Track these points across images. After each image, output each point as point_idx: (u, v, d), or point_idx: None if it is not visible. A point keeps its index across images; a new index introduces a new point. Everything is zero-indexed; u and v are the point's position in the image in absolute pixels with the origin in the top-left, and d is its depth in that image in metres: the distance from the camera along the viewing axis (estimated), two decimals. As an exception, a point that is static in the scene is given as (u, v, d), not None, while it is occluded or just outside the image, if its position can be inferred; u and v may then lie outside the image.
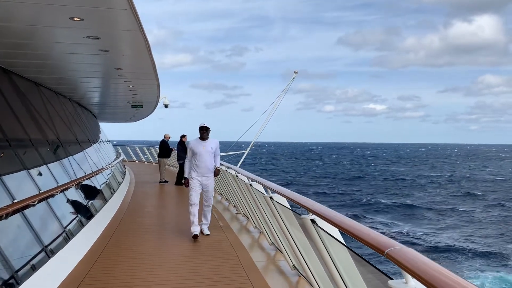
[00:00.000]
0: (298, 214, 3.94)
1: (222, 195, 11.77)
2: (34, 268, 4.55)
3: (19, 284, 4.07)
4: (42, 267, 4.68)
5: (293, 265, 5.20)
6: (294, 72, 18.37)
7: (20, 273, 4.25)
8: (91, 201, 8.47)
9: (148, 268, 5.49)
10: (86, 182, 8.59)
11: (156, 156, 21.34)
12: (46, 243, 5.18)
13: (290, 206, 4.53)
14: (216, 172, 7.42)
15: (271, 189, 4.85)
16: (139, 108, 15.51)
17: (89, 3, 4.11)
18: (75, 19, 4.48)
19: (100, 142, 16.39)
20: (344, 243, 2.95)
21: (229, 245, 6.68)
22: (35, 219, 5.20)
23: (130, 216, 9.36)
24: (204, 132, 7.23)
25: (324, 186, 48.99)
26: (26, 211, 4.93)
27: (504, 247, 22.67)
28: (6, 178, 4.94)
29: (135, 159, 28.59)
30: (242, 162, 17.78)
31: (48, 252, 5.06)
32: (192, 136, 7.36)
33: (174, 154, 17.56)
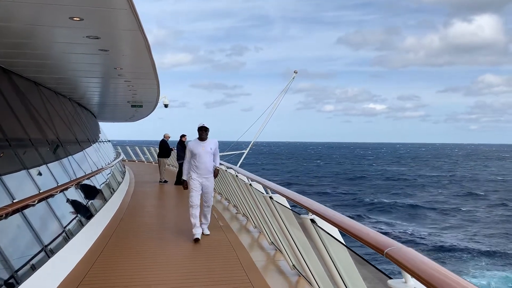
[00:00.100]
0: (298, 213, 3.94)
1: (222, 194, 11.78)
2: (34, 268, 4.55)
3: (19, 283, 4.07)
4: (42, 267, 4.68)
5: (293, 265, 5.20)
6: (294, 72, 18.38)
7: (20, 272, 4.25)
8: (90, 201, 8.47)
9: (148, 268, 5.50)
10: (86, 182, 8.59)
11: (155, 156, 21.34)
12: (46, 243, 5.18)
13: (290, 206, 4.54)
14: (216, 173, 7.38)
15: (271, 189, 4.85)
16: (138, 107, 15.50)
17: (89, 3, 4.11)
18: (75, 18, 4.48)
19: (99, 141, 16.39)
20: (344, 243, 2.95)
21: (229, 245, 6.68)
22: (35, 219, 5.20)
23: (130, 216, 9.36)
24: (203, 132, 7.16)
25: (326, 186, 48.89)
26: (26, 211, 4.93)
27: (509, 246, 22.67)
28: (6, 178, 4.95)
29: (135, 159, 28.59)
30: (242, 162, 17.79)
31: (48, 252, 5.06)
32: (192, 135, 7.34)
33: (174, 154, 17.57)
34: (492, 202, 37.68)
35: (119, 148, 26.88)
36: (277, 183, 5.12)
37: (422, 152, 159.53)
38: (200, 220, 7.35)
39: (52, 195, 5.90)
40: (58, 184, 6.58)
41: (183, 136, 15.25)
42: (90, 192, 8.93)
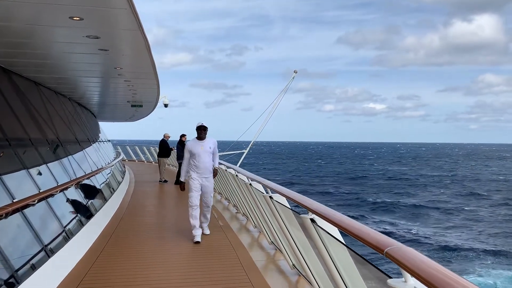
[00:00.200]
0: (298, 213, 3.94)
1: (221, 194, 11.78)
2: (34, 268, 4.55)
3: (19, 283, 4.07)
4: (42, 266, 4.68)
5: (293, 265, 5.20)
6: (294, 72, 18.36)
7: (20, 272, 4.25)
8: (90, 201, 8.47)
9: (148, 267, 5.50)
10: (86, 181, 8.59)
11: (155, 155, 21.34)
12: (46, 243, 5.18)
13: (290, 205, 4.54)
14: (215, 173, 7.31)
15: (271, 189, 4.86)
16: (138, 107, 15.50)
17: (89, 3, 4.11)
18: (74, 18, 4.48)
19: (99, 141, 16.38)
20: (344, 242, 2.95)
21: (229, 245, 6.68)
22: (35, 219, 5.20)
23: (130, 215, 9.36)
24: (201, 131, 7.09)
25: (329, 186, 48.81)
26: (26, 211, 4.93)
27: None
28: (5, 178, 4.95)
29: (135, 159, 28.59)
30: (242, 162, 17.79)
31: (48, 252, 5.06)
32: (192, 135, 7.31)
33: (173, 153, 17.57)
34: (495, 201, 37.63)
35: (119, 147, 26.89)
36: (279, 183, 5.12)
37: (422, 152, 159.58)
38: (200, 220, 7.32)
39: (52, 195, 5.91)
40: (58, 184, 6.59)
41: (183, 135, 15.25)
42: (90, 191, 8.93)
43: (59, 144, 8.58)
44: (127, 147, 29.32)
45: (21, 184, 5.58)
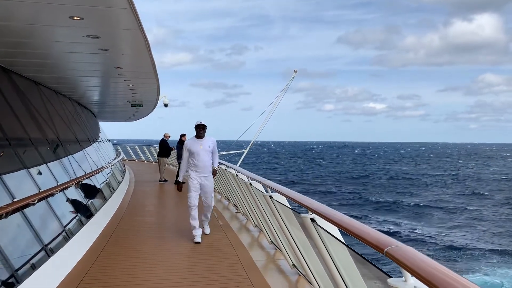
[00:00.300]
0: (298, 213, 3.94)
1: (221, 194, 11.78)
2: (34, 267, 4.55)
3: (19, 283, 4.07)
4: (42, 266, 4.68)
5: (293, 264, 5.20)
6: (294, 71, 18.37)
7: (20, 272, 4.25)
8: (90, 200, 8.47)
9: (148, 267, 5.50)
10: (86, 181, 8.59)
11: (155, 155, 21.34)
12: (46, 242, 5.18)
13: (290, 205, 4.54)
14: (214, 173, 7.22)
15: (271, 188, 4.85)
16: (138, 107, 15.50)
17: (89, 2, 4.11)
18: (74, 18, 4.48)
19: (99, 141, 16.38)
20: (344, 242, 2.95)
21: (229, 244, 6.68)
22: (35, 218, 5.20)
23: (130, 215, 9.36)
24: (200, 130, 7.00)
25: (331, 185, 48.72)
26: (26, 210, 4.93)
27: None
28: (6, 177, 4.95)
29: (135, 158, 28.58)
30: (242, 162, 17.80)
31: (48, 251, 5.06)
32: (192, 135, 7.27)
33: (173, 153, 17.57)
34: (498, 201, 37.59)
35: (119, 147, 26.90)
36: (281, 183, 5.13)
37: (423, 152, 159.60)
38: (200, 219, 7.26)
39: (52, 195, 5.91)
40: (58, 184, 6.59)
41: (183, 135, 15.25)
42: (90, 191, 8.93)
43: (59, 143, 8.59)
44: (127, 146, 29.32)
45: (21, 183, 5.58)
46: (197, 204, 7.05)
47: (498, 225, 27.70)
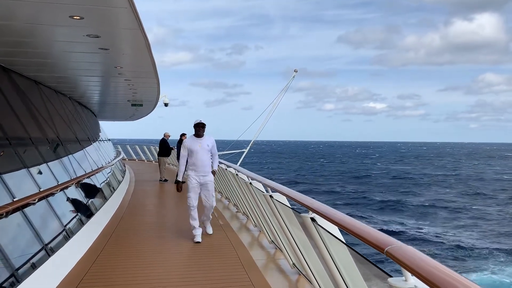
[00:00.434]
0: (298, 212, 3.94)
1: (222, 193, 11.78)
2: (34, 267, 4.55)
3: (19, 282, 4.08)
4: (42, 265, 4.68)
5: (293, 264, 5.20)
6: (294, 71, 18.36)
7: (20, 271, 4.26)
8: (91, 200, 8.47)
9: (148, 266, 5.50)
10: (86, 180, 8.60)
11: (156, 154, 21.34)
12: (46, 242, 5.19)
13: (290, 204, 4.54)
14: (213, 174, 7.11)
15: (271, 188, 4.85)
16: (139, 106, 15.49)
17: (89, 2, 4.10)
18: (75, 17, 4.48)
19: (100, 140, 16.39)
20: (344, 241, 2.95)
21: (229, 244, 6.68)
22: (35, 218, 5.20)
23: (130, 214, 9.36)
24: (200, 129, 6.91)
25: (334, 185, 48.64)
26: (26, 210, 4.93)
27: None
28: (6, 177, 4.95)
29: (135, 158, 28.58)
30: (244, 161, 17.80)
31: (48, 251, 5.06)
32: (192, 134, 7.21)
33: (174, 153, 17.57)
34: (502, 201, 37.56)
35: (119, 147, 26.90)
36: (284, 182, 5.13)
37: (424, 151, 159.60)
38: (202, 219, 7.19)
39: (52, 194, 5.91)
40: (59, 183, 6.59)
41: (183, 135, 15.25)
42: (90, 191, 8.94)
43: (59, 143, 8.59)
44: (127, 146, 29.31)
45: (21, 183, 5.58)
46: (196, 204, 6.99)
47: (504, 225, 27.72)
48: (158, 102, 16.17)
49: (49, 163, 7.03)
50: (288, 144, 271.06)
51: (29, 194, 5.07)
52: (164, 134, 16.93)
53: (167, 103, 19.79)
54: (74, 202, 7.25)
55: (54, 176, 6.85)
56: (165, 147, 16.78)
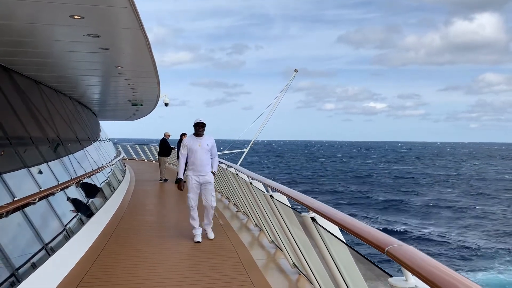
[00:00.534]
0: (298, 212, 3.94)
1: (222, 193, 11.78)
2: (34, 266, 4.55)
3: (19, 282, 4.08)
4: (43, 265, 4.68)
5: (293, 263, 5.20)
6: (294, 71, 18.37)
7: (20, 271, 4.25)
8: (91, 199, 8.48)
9: (149, 266, 5.50)
10: (86, 180, 8.60)
11: (156, 154, 21.34)
12: (47, 241, 5.19)
13: (290, 204, 4.53)
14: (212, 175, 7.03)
15: (271, 187, 4.85)
16: (139, 106, 15.50)
17: (89, 1, 4.10)
18: (75, 17, 4.48)
19: (100, 140, 16.39)
20: (344, 241, 2.95)
21: (229, 243, 6.68)
22: (36, 217, 5.20)
23: (130, 214, 9.36)
24: (199, 128, 6.85)
25: (337, 184, 48.54)
26: (27, 209, 4.93)
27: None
28: (6, 176, 4.95)
29: (135, 158, 28.58)
30: (245, 161, 17.80)
31: (49, 250, 5.06)
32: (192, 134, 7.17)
33: (174, 152, 17.57)
34: (505, 200, 37.48)
35: (119, 146, 26.91)
36: (286, 182, 5.13)
37: (424, 151, 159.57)
38: (203, 222, 7.06)
39: (52, 194, 5.91)
40: (59, 183, 6.59)
41: (183, 134, 15.25)
42: (91, 190, 8.94)
43: (60, 142, 8.59)
44: (128, 146, 29.32)
45: (21, 182, 5.58)
46: (196, 204, 6.96)
47: (509, 224, 27.70)
48: (159, 102, 16.17)
49: (49, 163, 7.03)
50: (289, 144, 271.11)
51: (29, 194, 5.07)
52: (164, 134, 16.94)
53: (168, 103, 19.79)
54: (75, 201, 7.25)
55: (55, 176, 6.85)
56: (165, 147, 16.79)
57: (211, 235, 6.99)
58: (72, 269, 5.25)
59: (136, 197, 12.00)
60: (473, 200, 37.75)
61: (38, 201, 5.22)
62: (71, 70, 8.36)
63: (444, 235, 24.62)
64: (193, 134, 6.99)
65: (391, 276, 2.02)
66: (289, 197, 4.27)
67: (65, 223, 6.14)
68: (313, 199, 3.55)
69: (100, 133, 18.19)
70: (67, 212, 6.70)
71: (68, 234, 5.99)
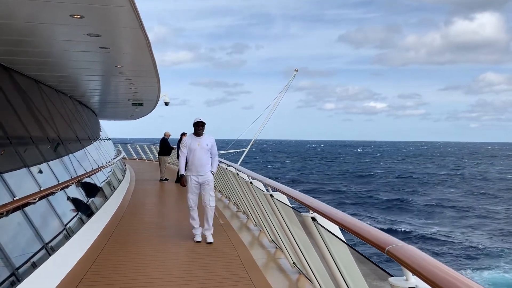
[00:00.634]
0: (299, 211, 3.94)
1: (222, 192, 11.78)
2: (34, 266, 4.55)
3: (20, 281, 4.08)
4: (43, 264, 4.68)
5: (293, 263, 5.20)
6: (295, 70, 18.35)
7: (20, 270, 4.25)
8: (91, 199, 8.48)
9: (149, 266, 5.50)
10: (87, 179, 8.60)
11: (156, 154, 21.34)
12: (47, 241, 5.19)
13: (291, 204, 4.53)
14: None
15: (272, 187, 4.85)
16: (139, 106, 15.49)
17: (90, 1, 4.10)
18: (75, 16, 4.48)
19: (100, 139, 16.39)
20: (345, 241, 2.95)
21: (230, 243, 6.68)
22: (36, 217, 5.20)
23: (130, 214, 9.36)
24: (199, 127, 6.80)
25: (339, 184, 48.45)
26: (27, 209, 4.93)
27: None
28: (6, 176, 4.95)
29: (136, 157, 28.58)
30: (245, 161, 17.80)
31: (49, 250, 5.06)
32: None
33: (174, 152, 17.57)
34: (509, 200, 37.39)
35: (119, 146, 26.91)
36: (288, 181, 5.12)
37: (425, 151, 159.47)
38: (202, 224, 6.93)
39: (52, 193, 5.91)
40: (59, 182, 6.59)
41: (183, 134, 15.24)
42: (91, 190, 8.94)
43: (60, 142, 8.59)
44: (128, 145, 29.32)
45: (22, 182, 5.58)
46: (196, 204, 6.93)
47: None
48: (159, 101, 16.17)
49: (49, 162, 7.03)
50: (289, 144, 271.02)
51: (29, 193, 5.07)
52: (164, 134, 16.95)
53: (168, 102, 19.78)
54: (75, 201, 7.25)
55: (55, 175, 6.85)
56: (165, 147, 16.80)
57: (210, 239, 6.79)
58: (72, 269, 5.25)
59: (136, 197, 12.00)
60: (476, 200, 37.70)
61: (38, 200, 5.22)
62: (71, 69, 8.36)
63: (449, 234, 24.61)
64: (193, 133, 6.95)
65: (392, 276, 2.01)
66: (289, 197, 4.27)
67: (65, 223, 6.14)
68: (313, 199, 3.54)
69: (100, 133, 18.19)
70: (67, 211, 6.70)
71: (68, 233, 5.99)
